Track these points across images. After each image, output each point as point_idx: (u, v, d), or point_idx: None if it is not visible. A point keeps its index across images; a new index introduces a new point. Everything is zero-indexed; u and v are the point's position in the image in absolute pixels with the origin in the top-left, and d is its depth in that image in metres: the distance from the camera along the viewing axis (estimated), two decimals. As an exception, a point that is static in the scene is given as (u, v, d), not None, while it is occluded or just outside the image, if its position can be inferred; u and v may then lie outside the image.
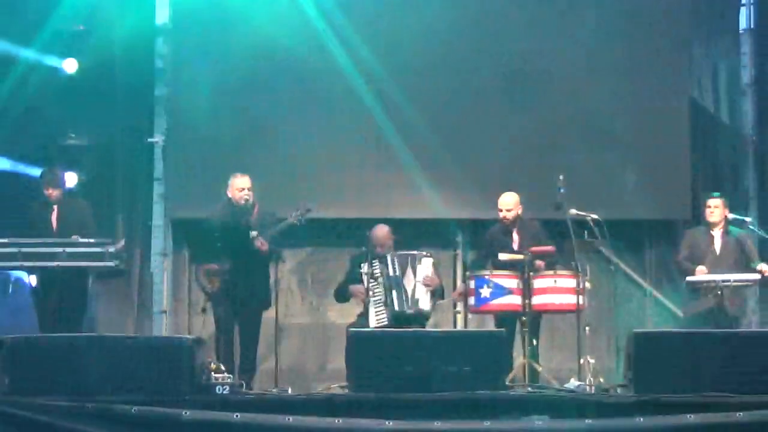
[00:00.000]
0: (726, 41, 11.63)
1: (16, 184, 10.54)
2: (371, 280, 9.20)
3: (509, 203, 9.59)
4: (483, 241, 9.90)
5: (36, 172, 10.08)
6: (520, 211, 9.60)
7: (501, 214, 9.60)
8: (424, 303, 9.25)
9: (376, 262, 9.28)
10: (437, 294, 9.47)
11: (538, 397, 7.43)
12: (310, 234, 10.45)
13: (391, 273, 9.25)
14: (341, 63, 11.02)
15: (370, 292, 9.17)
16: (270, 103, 10.99)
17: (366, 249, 9.36)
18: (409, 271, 9.29)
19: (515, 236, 9.53)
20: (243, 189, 9.30)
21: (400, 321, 9.12)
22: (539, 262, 9.26)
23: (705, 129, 11.39)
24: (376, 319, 9.17)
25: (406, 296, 9.21)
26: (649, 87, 11.13)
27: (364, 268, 9.26)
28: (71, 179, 10.17)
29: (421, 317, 9.26)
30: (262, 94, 10.99)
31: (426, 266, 9.35)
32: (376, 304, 9.21)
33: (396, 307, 9.16)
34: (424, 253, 9.45)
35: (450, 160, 11.00)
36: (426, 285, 9.26)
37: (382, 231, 9.53)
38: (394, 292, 9.20)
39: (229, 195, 9.37)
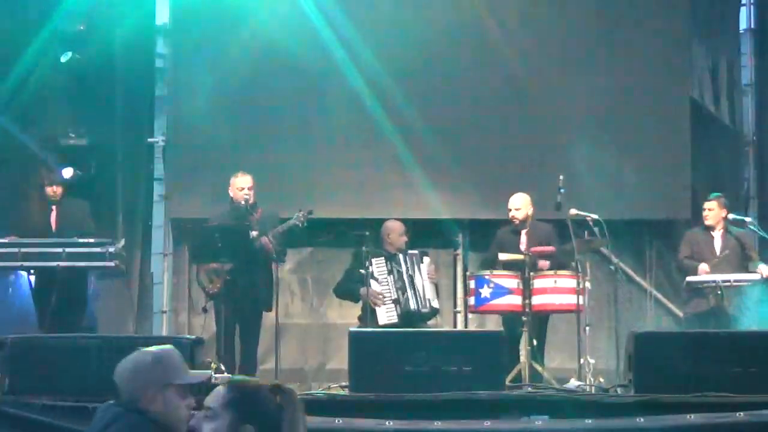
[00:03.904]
0: (726, 41, 11.63)
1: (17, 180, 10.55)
2: (380, 277, 9.22)
3: (517, 203, 9.57)
4: (492, 241, 9.88)
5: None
6: (530, 212, 9.57)
7: (510, 214, 9.59)
8: (435, 301, 9.35)
9: (382, 260, 9.29)
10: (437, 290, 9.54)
11: (538, 397, 7.42)
12: (310, 234, 10.44)
13: (404, 272, 9.28)
14: (341, 63, 11.02)
15: (378, 290, 9.19)
16: (270, 103, 10.99)
17: (371, 247, 9.32)
18: (416, 269, 9.33)
19: (523, 237, 9.51)
20: (243, 188, 9.29)
21: (410, 319, 9.15)
22: (543, 263, 9.25)
23: (705, 129, 11.38)
24: (387, 316, 9.18)
25: (420, 296, 9.25)
26: (649, 87, 11.13)
27: (372, 265, 9.26)
28: (68, 173, 10.13)
29: (432, 315, 9.33)
30: (261, 94, 10.99)
31: (426, 263, 9.43)
32: (385, 301, 9.23)
33: (412, 307, 9.20)
34: (420, 252, 9.50)
35: (450, 160, 10.99)
36: (431, 279, 9.31)
37: (396, 227, 9.52)
38: (408, 291, 9.23)
39: (231, 194, 9.37)
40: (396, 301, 9.25)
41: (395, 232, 9.49)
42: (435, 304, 9.36)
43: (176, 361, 3.85)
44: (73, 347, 7.39)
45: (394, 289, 9.27)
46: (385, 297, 9.21)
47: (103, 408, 3.80)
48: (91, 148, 10.77)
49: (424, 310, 9.26)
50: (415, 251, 9.50)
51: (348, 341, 7.70)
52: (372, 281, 9.20)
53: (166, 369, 3.80)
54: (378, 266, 9.28)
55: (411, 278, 9.29)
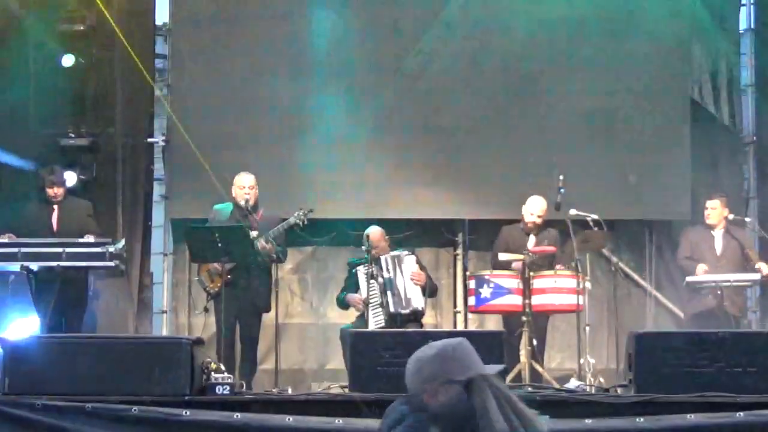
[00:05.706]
0: (726, 41, 11.62)
1: (16, 181, 10.53)
2: (370, 282, 9.23)
3: (543, 209, 9.55)
4: (496, 239, 9.86)
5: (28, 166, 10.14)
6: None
7: (531, 218, 9.55)
8: (417, 301, 9.29)
9: (370, 265, 9.30)
10: (428, 291, 9.47)
11: (538, 397, 7.41)
12: (310, 234, 10.45)
13: (385, 275, 9.28)
14: (341, 63, 11.02)
15: (368, 295, 9.20)
16: (270, 102, 10.99)
17: (364, 251, 9.38)
18: (398, 271, 9.32)
19: (532, 238, 9.51)
20: (243, 188, 9.29)
21: (396, 322, 9.14)
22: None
23: (705, 129, 11.38)
24: (374, 321, 9.19)
25: (400, 297, 9.24)
26: (649, 87, 11.13)
27: (361, 271, 9.32)
28: (71, 178, 10.17)
29: (416, 316, 9.29)
30: (261, 94, 10.99)
31: (410, 263, 9.39)
32: (373, 306, 9.23)
33: (392, 309, 9.19)
34: (406, 252, 9.50)
35: (450, 160, 10.99)
36: (415, 281, 9.29)
37: (375, 233, 9.54)
38: (389, 294, 9.23)
39: (233, 194, 9.38)
40: (381, 305, 9.25)
41: (374, 237, 9.49)
42: (417, 303, 9.28)
43: (461, 356, 3.71)
44: (73, 347, 7.39)
45: (379, 293, 9.27)
46: (370, 302, 9.21)
47: (392, 406, 3.74)
48: (91, 148, 10.77)
49: (404, 312, 9.21)
50: (398, 252, 9.48)
51: (349, 341, 7.68)
52: (362, 288, 9.26)
53: (446, 364, 3.70)
54: (364, 273, 9.31)
55: (391, 280, 9.28)
